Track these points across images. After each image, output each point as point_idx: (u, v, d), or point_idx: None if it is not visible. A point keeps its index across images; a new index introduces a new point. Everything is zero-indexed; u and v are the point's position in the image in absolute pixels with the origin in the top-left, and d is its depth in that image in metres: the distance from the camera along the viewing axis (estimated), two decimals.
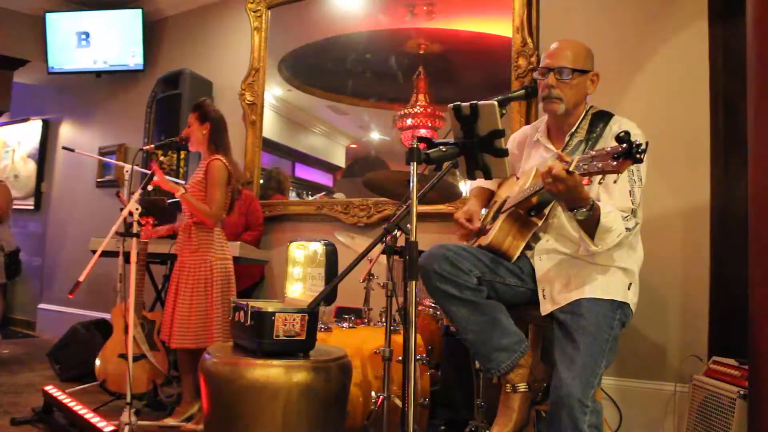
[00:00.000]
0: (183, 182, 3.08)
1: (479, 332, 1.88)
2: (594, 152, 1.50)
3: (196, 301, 2.79)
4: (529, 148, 2.18)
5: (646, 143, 1.41)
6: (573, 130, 2.02)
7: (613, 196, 1.82)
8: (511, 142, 2.30)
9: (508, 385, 1.92)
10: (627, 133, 1.41)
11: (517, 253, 1.96)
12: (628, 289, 1.88)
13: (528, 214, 1.94)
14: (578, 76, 1.99)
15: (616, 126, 1.95)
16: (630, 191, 1.82)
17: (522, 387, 1.91)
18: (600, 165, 1.46)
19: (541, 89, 2.01)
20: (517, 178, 2.19)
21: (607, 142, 1.91)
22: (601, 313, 1.80)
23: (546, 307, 1.89)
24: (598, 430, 1.72)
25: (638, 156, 1.40)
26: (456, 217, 2.17)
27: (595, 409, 1.70)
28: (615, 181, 1.61)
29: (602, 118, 2.00)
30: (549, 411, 1.74)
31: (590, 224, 1.73)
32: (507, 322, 1.91)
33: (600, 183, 1.80)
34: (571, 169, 1.55)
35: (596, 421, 1.71)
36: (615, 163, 1.43)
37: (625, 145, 1.40)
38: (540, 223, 1.96)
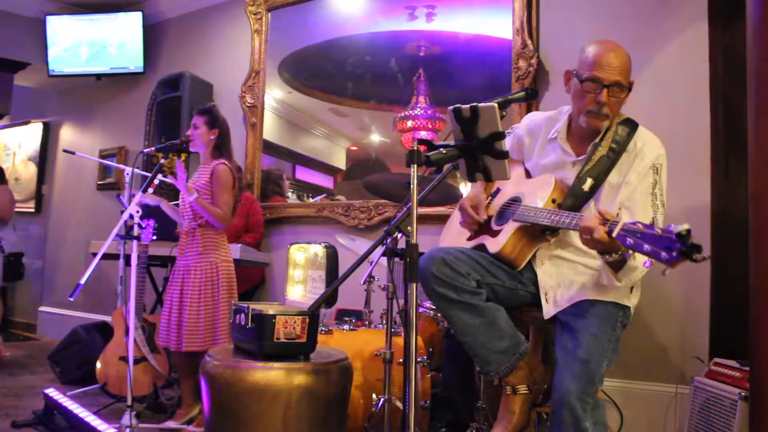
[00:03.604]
0: None
1: (478, 335, 1.87)
2: (643, 227, 1.42)
3: (204, 304, 2.80)
4: (543, 143, 2.08)
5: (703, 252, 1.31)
6: (598, 140, 1.90)
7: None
8: (522, 128, 2.18)
9: (508, 387, 1.92)
10: (689, 232, 1.31)
11: (524, 263, 1.95)
12: (630, 292, 1.88)
13: (542, 231, 1.91)
14: (627, 93, 1.89)
15: (640, 142, 1.87)
16: (653, 219, 1.80)
17: (522, 389, 1.91)
18: (649, 248, 1.37)
19: (587, 102, 1.87)
20: (526, 170, 2.13)
21: (631, 159, 1.85)
22: (603, 314, 1.79)
23: (549, 311, 1.88)
24: (603, 427, 1.72)
25: (694, 258, 1.29)
26: (462, 205, 2.08)
27: (596, 405, 1.70)
28: (649, 192, 1.58)
29: (627, 128, 1.91)
30: (551, 411, 1.74)
31: (618, 263, 1.69)
32: (506, 325, 1.90)
33: (621, 209, 1.80)
34: (614, 235, 1.49)
35: (599, 418, 1.70)
36: (667, 256, 1.33)
37: (680, 245, 1.30)
38: (552, 241, 1.94)
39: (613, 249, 1.60)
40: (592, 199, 1.89)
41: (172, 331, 2.82)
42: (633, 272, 1.71)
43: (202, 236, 2.87)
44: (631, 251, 1.47)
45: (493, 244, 1.96)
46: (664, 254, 1.35)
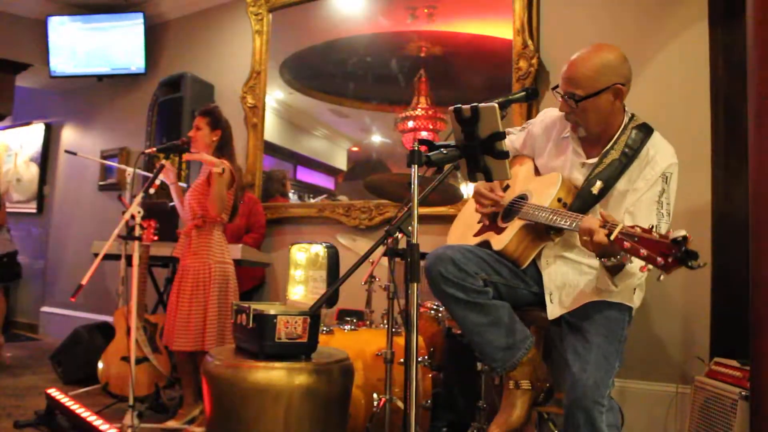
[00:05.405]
0: (186, 185, 3.10)
1: (485, 334, 1.88)
2: (641, 231, 1.43)
3: (195, 304, 2.80)
4: (556, 142, 2.06)
5: (700, 260, 1.34)
6: (608, 146, 1.88)
7: None
8: (537, 124, 2.16)
9: (511, 381, 1.92)
10: (685, 238, 1.33)
11: (528, 262, 1.95)
12: (633, 292, 1.88)
13: (546, 231, 1.92)
14: (590, 101, 1.84)
15: (653, 150, 1.85)
16: (656, 225, 1.76)
17: (525, 384, 1.91)
18: (645, 253, 1.40)
19: (560, 107, 1.93)
20: (536, 169, 2.12)
21: (642, 166, 1.84)
22: (611, 315, 1.80)
23: (554, 312, 1.88)
24: (616, 429, 1.72)
25: (690, 264, 1.32)
26: (478, 189, 2.08)
27: (611, 407, 1.70)
28: (655, 199, 1.60)
29: (642, 133, 1.88)
30: (565, 413, 1.73)
31: (616, 267, 1.69)
32: (511, 320, 1.91)
33: (626, 213, 1.81)
34: (612, 237, 1.50)
35: (613, 420, 1.71)
36: (663, 261, 1.35)
37: (676, 251, 1.33)
38: (557, 240, 1.94)
39: (611, 253, 1.59)
40: (599, 204, 1.88)
41: (169, 331, 2.84)
42: (630, 278, 1.71)
43: (197, 237, 2.87)
44: (628, 255, 1.47)
45: (497, 241, 1.97)
46: (660, 259, 1.36)
